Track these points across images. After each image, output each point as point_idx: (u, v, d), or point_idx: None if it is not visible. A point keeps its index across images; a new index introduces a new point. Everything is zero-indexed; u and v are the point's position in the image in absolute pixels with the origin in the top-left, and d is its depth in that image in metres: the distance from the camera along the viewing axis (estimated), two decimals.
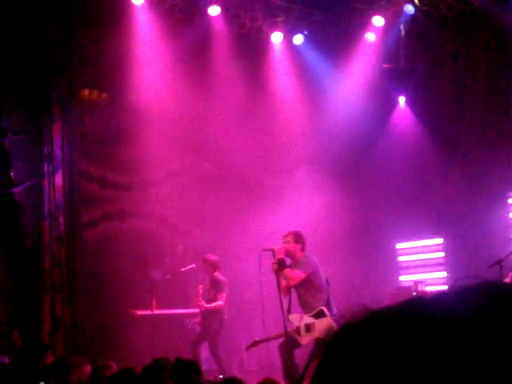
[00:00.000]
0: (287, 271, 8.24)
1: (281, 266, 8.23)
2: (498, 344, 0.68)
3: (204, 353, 10.77)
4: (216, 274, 10.42)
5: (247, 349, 8.86)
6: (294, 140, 12.61)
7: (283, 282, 8.30)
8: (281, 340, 8.52)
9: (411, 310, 0.75)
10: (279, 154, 12.67)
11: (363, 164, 12.47)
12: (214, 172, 12.56)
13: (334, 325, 7.95)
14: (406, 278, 12.21)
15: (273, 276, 8.51)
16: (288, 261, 8.42)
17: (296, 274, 8.22)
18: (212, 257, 10.56)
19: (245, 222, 12.05)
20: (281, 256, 8.26)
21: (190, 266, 11.22)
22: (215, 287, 10.35)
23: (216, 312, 10.21)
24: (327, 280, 8.36)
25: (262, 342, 8.74)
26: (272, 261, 8.28)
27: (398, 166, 12.29)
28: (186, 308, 11.40)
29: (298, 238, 8.42)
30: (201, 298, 10.27)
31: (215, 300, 10.28)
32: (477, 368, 0.67)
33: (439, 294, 0.78)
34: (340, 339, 0.75)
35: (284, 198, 12.17)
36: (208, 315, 10.25)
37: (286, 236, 8.48)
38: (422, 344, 0.69)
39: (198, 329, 10.65)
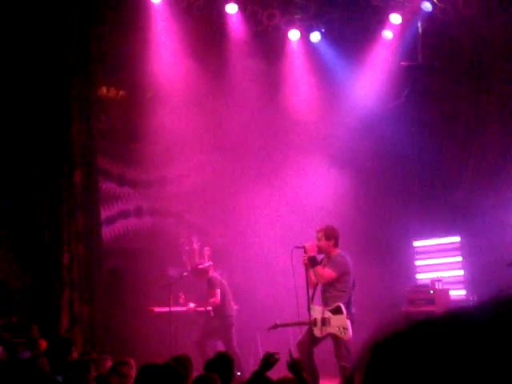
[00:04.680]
0: (318, 269, 8.25)
1: (312, 263, 8.24)
2: None
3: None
4: (210, 272, 10.75)
5: (269, 330, 8.86)
6: (310, 135, 12.60)
7: (313, 277, 8.31)
8: (300, 338, 8.52)
9: (457, 319, 0.81)
10: (296, 149, 12.65)
11: (379, 160, 12.41)
12: (230, 168, 12.56)
13: (348, 323, 8.00)
14: (423, 276, 12.09)
15: (298, 271, 8.47)
16: (320, 256, 8.42)
17: (327, 273, 8.24)
18: (203, 266, 10.88)
19: (265, 218, 12.14)
20: (312, 253, 8.26)
21: (207, 264, 11.21)
22: (208, 285, 10.67)
23: (215, 310, 10.51)
24: (354, 282, 8.36)
25: (282, 326, 8.78)
26: (303, 256, 8.28)
27: (414, 162, 12.25)
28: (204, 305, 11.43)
29: (329, 234, 8.36)
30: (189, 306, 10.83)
31: (211, 297, 10.58)
32: None
33: (480, 305, 0.83)
34: (389, 346, 0.78)
35: (301, 192, 12.25)
36: (208, 314, 10.61)
37: (317, 232, 8.45)
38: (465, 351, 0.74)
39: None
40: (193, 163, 12.71)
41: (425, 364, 0.72)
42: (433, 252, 12.24)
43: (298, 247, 8.37)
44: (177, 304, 11.30)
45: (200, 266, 11.31)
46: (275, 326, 8.72)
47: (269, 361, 5.86)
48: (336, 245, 8.37)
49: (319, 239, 8.35)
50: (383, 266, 11.99)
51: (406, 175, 12.44)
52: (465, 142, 11.87)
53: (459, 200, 11.75)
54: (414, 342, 0.77)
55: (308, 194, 12.27)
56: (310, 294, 8.30)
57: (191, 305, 11.00)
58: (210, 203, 12.58)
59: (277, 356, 5.93)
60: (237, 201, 12.45)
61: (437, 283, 11.12)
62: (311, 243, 8.33)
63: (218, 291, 10.48)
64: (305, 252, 8.26)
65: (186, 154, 12.44)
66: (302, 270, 8.35)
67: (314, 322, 8.22)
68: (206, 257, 11.10)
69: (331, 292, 8.25)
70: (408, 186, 12.46)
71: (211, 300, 10.54)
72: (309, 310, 8.21)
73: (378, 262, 11.89)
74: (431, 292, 10.96)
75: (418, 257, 12.42)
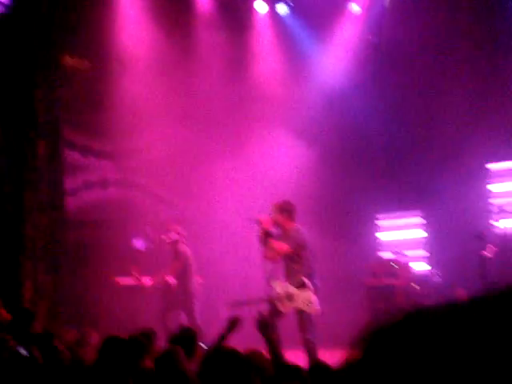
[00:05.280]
0: (272, 242, 8.19)
1: (266, 236, 8.19)
2: None
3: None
4: (179, 245, 10.53)
5: (231, 307, 8.77)
6: (276, 108, 12.50)
7: (269, 251, 8.28)
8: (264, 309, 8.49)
9: (455, 312, 0.81)
10: (261, 122, 12.56)
11: (344, 135, 12.38)
12: (196, 140, 12.48)
13: (315, 298, 8.04)
14: (385, 253, 12.19)
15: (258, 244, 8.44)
16: (275, 230, 8.34)
17: (281, 246, 8.17)
18: (179, 228, 10.66)
19: (229, 190, 12.10)
20: (266, 226, 8.20)
21: (171, 235, 11.01)
22: (174, 258, 10.53)
23: (178, 284, 10.40)
24: (313, 253, 8.35)
25: (244, 303, 8.69)
26: (258, 229, 8.25)
27: (379, 138, 12.25)
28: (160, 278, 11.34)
29: (283, 208, 8.29)
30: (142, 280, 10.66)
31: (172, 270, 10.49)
32: None
33: (474, 300, 0.82)
34: (386, 336, 0.80)
35: (266, 164, 12.23)
36: (170, 285, 10.46)
37: (272, 206, 8.39)
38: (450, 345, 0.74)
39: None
40: (158, 134, 12.51)
41: (421, 356, 0.74)
42: (396, 229, 12.32)
43: (252, 220, 8.34)
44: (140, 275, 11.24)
45: (168, 240, 11.12)
46: (238, 304, 8.63)
47: (234, 322, 5.94)
48: (291, 218, 8.28)
49: (274, 213, 8.29)
50: (347, 240, 12.05)
51: (370, 151, 12.44)
52: (429, 118, 11.89)
53: (423, 175, 11.81)
54: (411, 334, 0.78)
55: (272, 166, 12.24)
56: (270, 268, 8.27)
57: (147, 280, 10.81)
58: (175, 175, 12.47)
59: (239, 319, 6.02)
60: (201, 172, 12.42)
61: (399, 256, 11.24)
62: (265, 216, 8.26)
63: (181, 266, 10.41)
64: (259, 225, 8.22)
65: (151, 125, 12.27)
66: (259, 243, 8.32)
67: (279, 298, 8.20)
68: (173, 229, 10.93)
69: (291, 266, 8.23)
70: (372, 161, 12.47)
71: (168, 272, 10.47)
72: (269, 284, 8.20)
73: (341, 235, 11.98)
74: (393, 265, 11.08)
75: (380, 233, 12.49)
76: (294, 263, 8.22)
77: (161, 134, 12.48)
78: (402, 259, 11.25)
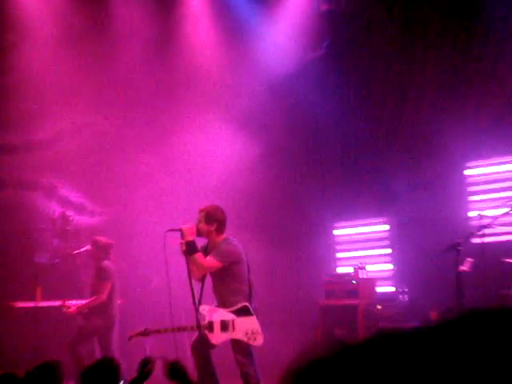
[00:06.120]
0: (198, 257, 6.95)
1: (190, 248, 6.92)
2: None
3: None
4: (104, 261, 9.23)
5: (129, 339, 7.32)
6: (211, 93, 11.29)
7: (194, 268, 7.05)
8: (194, 340, 7.13)
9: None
10: (193, 106, 11.34)
11: (291, 127, 11.17)
12: (113, 131, 11.34)
13: (259, 326, 6.88)
14: (343, 270, 10.91)
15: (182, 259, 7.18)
16: (202, 241, 7.13)
17: (208, 262, 6.99)
18: (103, 240, 9.36)
19: (154, 190, 11.03)
20: (191, 237, 6.94)
21: (83, 248, 9.79)
22: (98, 276, 9.23)
23: (98, 306, 9.12)
24: (248, 267, 7.17)
25: (156, 332, 7.26)
26: (180, 241, 6.96)
27: (333, 133, 11.04)
28: (78, 298, 9.91)
29: (210, 217, 7.09)
30: (67, 303, 9.27)
31: (98, 292, 9.16)
32: None
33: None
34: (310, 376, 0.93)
35: (198, 160, 11.13)
36: (89, 310, 9.17)
37: (199, 212, 7.17)
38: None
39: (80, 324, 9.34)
40: (67, 124, 11.32)
41: None
42: (356, 240, 11.21)
43: (174, 230, 7.10)
44: (47, 298, 9.98)
45: (75, 252, 10.07)
46: (144, 333, 7.19)
47: (145, 369, 5.03)
48: (220, 230, 7.20)
49: (199, 221, 7.16)
50: (297, 255, 11.13)
51: (323, 148, 11.27)
52: (394, 109, 10.58)
53: (387, 178, 10.61)
54: (337, 373, 0.90)
55: (207, 164, 11.05)
56: (199, 289, 7.05)
57: (71, 303, 9.34)
58: (88, 173, 11.32)
59: (153, 362, 5.03)
60: (119, 170, 11.29)
61: (360, 272, 10.05)
62: (190, 225, 7.07)
63: (109, 286, 9.19)
64: (182, 236, 7.02)
65: (58, 113, 11.08)
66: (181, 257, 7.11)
67: (210, 327, 6.95)
68: (94, 241, 9.49)
69: (224, 285, 7.06)
70: (326, 160, 11.31)
71: (98, 296, 9.15)
72: (197, 310, 6.91)
73: (290, 250, 11.12)
74: (354, 282, 9.89)
75: (338, 248, 11.35)
76: (225, 283, 7.07)
77: (71, 124, 11.34)
78: (363, 275, 10.02)
